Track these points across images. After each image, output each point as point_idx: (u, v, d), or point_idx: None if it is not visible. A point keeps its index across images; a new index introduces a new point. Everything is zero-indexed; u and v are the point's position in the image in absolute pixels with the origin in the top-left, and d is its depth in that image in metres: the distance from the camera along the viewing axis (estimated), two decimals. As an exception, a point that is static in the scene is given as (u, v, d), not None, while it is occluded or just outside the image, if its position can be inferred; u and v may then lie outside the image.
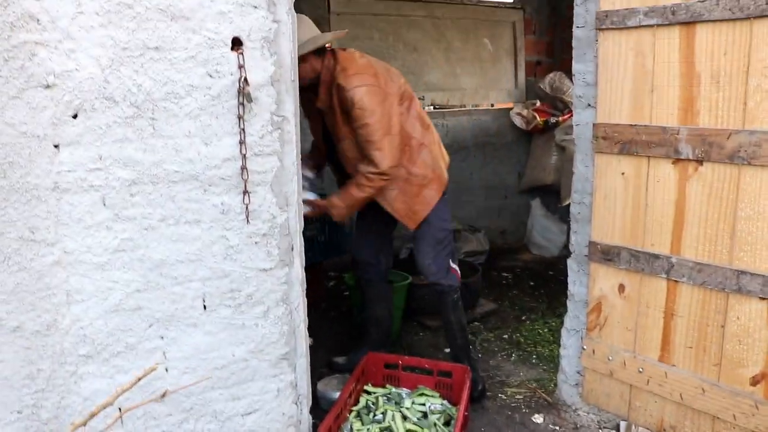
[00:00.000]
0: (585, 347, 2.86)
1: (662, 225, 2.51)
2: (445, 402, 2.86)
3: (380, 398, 2.84)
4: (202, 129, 2.03)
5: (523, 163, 5.93)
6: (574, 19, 2.74)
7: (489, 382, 3.32)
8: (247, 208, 2.13)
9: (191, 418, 2.20)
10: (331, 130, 2.96)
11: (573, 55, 2.79)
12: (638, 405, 2.71)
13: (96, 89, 1.88)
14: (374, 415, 2.72)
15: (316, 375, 3.19)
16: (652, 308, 2.59)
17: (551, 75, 5.56)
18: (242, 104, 2.06)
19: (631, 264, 2.61)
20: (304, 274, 2.35)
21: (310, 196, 2.99)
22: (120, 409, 2.08)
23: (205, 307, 2.14)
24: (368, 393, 2.94)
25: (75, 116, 1.87)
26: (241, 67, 2.05)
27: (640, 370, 2.64)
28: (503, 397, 3.19)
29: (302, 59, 2.59)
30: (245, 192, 2.11)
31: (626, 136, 2.56)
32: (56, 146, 1.87)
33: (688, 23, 2.31)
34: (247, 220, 2.14)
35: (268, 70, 2.10)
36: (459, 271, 3.19)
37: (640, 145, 2.51)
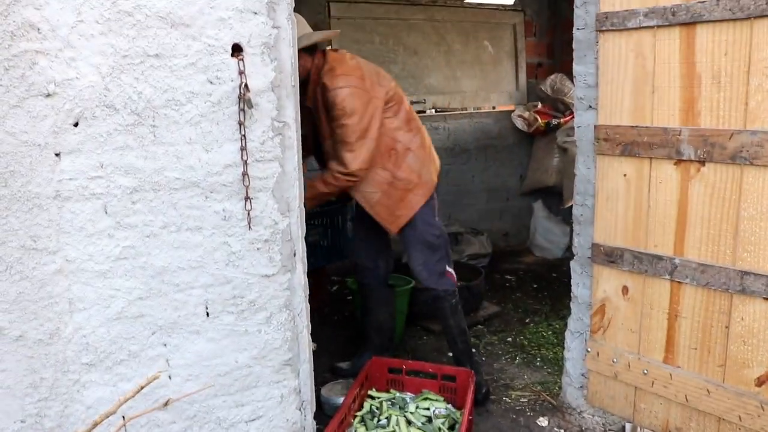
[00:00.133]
0: (589, 349, 2.85)
1: (665, 226, 2.50)
2: (449, 406, 2.85)
3: (384, 403, 2.83)
4: (202, 135, 2.03)
5: (525, 166, 5.93)
6: (575, 20, 2.74)
7: (493, 386, 3.31)
8: (248, 214, 2.12)
9: (195, 426, 2.19)
10: (317, 128, 2.97)
11: (573, 57, 2.78)
12: (643, 407, 2.70)
13: (96, 97, 1.88)
14: (378, 420, 2.72)
15: (319, 380, 3.19)
16: (655, 310, 2.58)
17: (552, 77, 5.57)
18: (243, 110, 2.06)
19: (635, 265, 2.60)
20: (307, 279, 2.35)
21: None
22: (123, 417, 2.08)
23: (207, 313, 2.14)
24: (372, 398, 2.94)
25: (76, 124, 1.87)
26: (241, 73, 2.05)
27: (645, 371, 2.63)
28: (508, 400, 3.18)
29: None
30: (247, 198, 2.11)
31: (628, 137, 2.56)
32: (57, 155, 1.86)
33: (689, 24, 2.31)
34: (249, 227, 2.14)
35: (269, 75, 2.10)
36: (455, 275, 3.17)
37: (642, 146, 2.51)
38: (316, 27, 4.80)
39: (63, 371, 1.98)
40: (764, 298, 2.24)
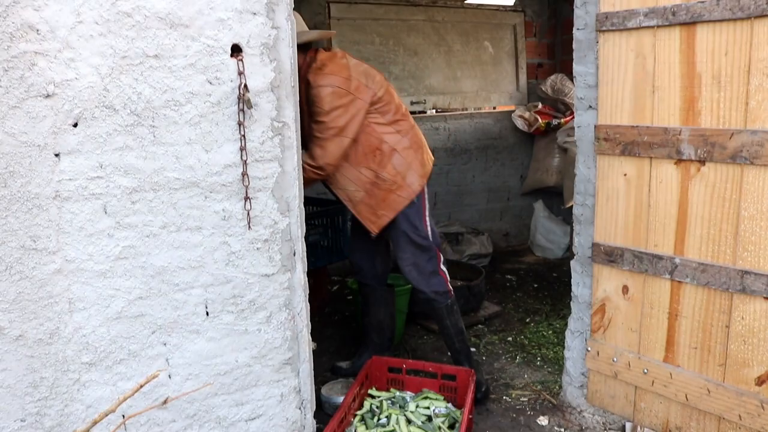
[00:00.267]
0: (589, 349, 2.85)
1: (665, 226, 2.50)
2: (449, 405, 2.85)
3: (384, 402, 2.83)
4: (202, 136, 2.04)
5: (525, 166, 5.93)
6: (575, 21, 2.74)
7: (493, 385, 3.31)
8: (248, 214, 2.13)
9: (195, 425, 2.20)
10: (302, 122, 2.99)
11: (574, 57, 2.78)
12: (643, 406, 2.70)
13: (96, 98, 1.89)
14: (378, 419, 2.72)
15: (319, 379, 3.20)
16: (656, 309, 2.58)
17: (553, 77, 5.57)
18: (242, 110, 2.07)
19: (635, 265, 2.60)
20: (307, 279, 2.35)
21: None
22: (123, 416, 2.08)
23: (207, 313, 2.14)
24: (372, 397, 2.94)
25: (75, 125, 1.88)
26: (240, 73, 2.05)
27: (645, 371, 2.63)
28: (508, 399, 3.18)
29: None
30: (246, 198, 2.12)
31: (628, 137, 2.56)
32: (57, 155, 1.87)
33: (689, 24, 2.31)
34: (249, 226, 2.14)
35: (268, 76, 2.11)
36: (447, 274, 3.16)
37: (642, 146, 2.51)
38: (315, 27, 4.82)
39: (63, 370, 1.98)
40: (765, 298, 2.24)
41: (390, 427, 2.65)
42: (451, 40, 5.52)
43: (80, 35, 1.83)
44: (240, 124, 2.07)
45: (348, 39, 5.08)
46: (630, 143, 2.55)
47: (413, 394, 2.93)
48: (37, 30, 1.78)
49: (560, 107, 5.55)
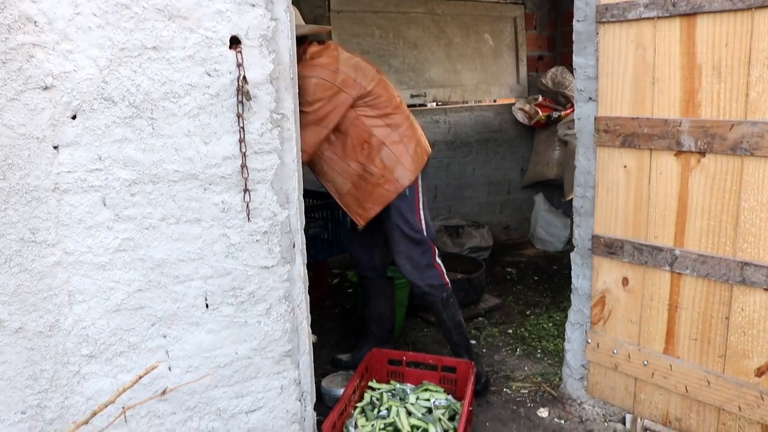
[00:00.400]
0: (589, 341, 2.86)
1: (665, 217, 2.50)
2: (449, 397, 2.85)
3: (385, 394, 2.83)
4: (201, 128, 2.03)
5: (526, 159, 5.92)
6: (575, 12, 2.73)
7: (494, 377, 3.32)
8: (247, 206, 2.13)
9: (195, 416, 2.20)
10: None
11: (573, 49, 2.77)
12: (643, 398, 2.70)
13: (94, 90, 1.88)
14: (379, 411, 2.72)
15: (320, 372, 3.20)
16: (656, 301, 2.58)
17: (553, 70, 5.55)
18: (241, 102, 2.06)
19: (635, 257, 2.60)
20: (306, 271, 2.35)
21: None
22: (123, 407, 2.09)
23: (207, 305, 2.14)
24: (372, 389, 2.94)
25: (74, 117, 1.87)
26: (239, 65, 2.05)
27: (645, 362, 2.64)
28: (508, 391, 3.19)
29: None
30: (246, 190, 2.12)
31: (628, 129, 2.55)
32: (56, 147, 1.87)
33: (689, 15, 2.30)
34: (248, 218, 2.14)
35: (267, 68, 2.10)
36: (443, 267, 3.16)
37: (642, 137, 2.50)
38: (315, 20, 4.81)
39: (63, 363, 1.99)
40: (765, 289, 2.24)
41: (390, 419, 2.65)
42: (451, 32, 5.50)
43: (78, 27, 1.83)
44: (239, 116, 2.07)
45: (348, 32, 5.07)
46: (630, 135, 2.54)
47: (413, 386, 2.94)
48: (35, 22, 1.78)
49: (561, 100, 5.54)
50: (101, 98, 1.90)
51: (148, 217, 2.02)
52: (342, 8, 5.03)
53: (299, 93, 2.76)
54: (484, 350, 3.65)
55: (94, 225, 1.95)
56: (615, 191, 2.65)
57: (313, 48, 2.83)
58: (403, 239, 3.03)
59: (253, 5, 2.04)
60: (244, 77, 2.05)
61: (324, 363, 3.46)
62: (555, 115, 5.47)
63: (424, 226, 3.04)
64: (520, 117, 5.66)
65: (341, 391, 2.90)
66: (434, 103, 5.69)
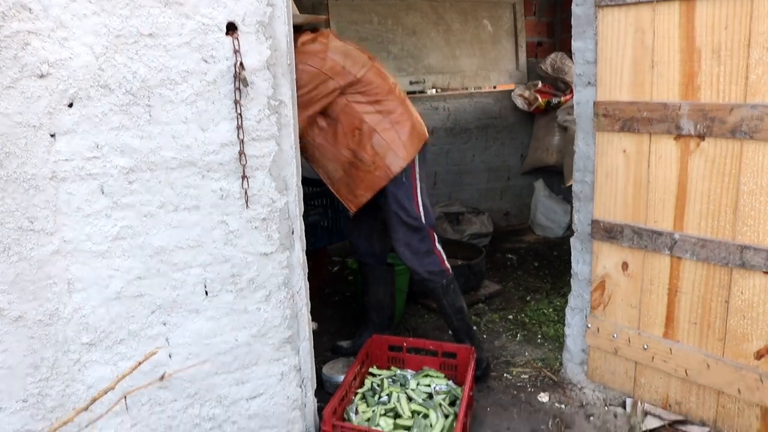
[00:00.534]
0: (589, 325, 2.86)
1: (665, 201, 2.49)
2: (450, 382, 2.86)
3: (385, 380, 2.84)
4: (198, 115, 2.03)
5: (525, 145, 5.91)
6: (573, -4, 2.71)
7: (494, 363, 3.32)
8: (246, 192, 2.12)
9: (196, 404, 2.21)
10: None
11: (572, 33, 2.76)
12: (643, 382, 2.71)
13: (91, 77, 1.88)
14: (379, 397, 2.73)
15: (320, 359, 3.21)
16: (655, 285, 2.58)
17: (552, 55, 5.53)
18: (238, 89, 2.06)
19: (634, 241, 2.60)
20: (305, 257, 2.35)
21: None
22: (125, 395, 2.09)
23: (206, 292, 2.15)
24: (373, 375, 2.95)
25: (70, 105, 1.87)
26: (236, 51, 2.04)
27: (645, 347, 2.64)
28: (509, 376, 3.19)
29: None
30: (244, 177, 2.11)
31: (627, 113, 2.54)
32: (53, 135, 1.86)
33: (688, -3, 2.29)
34: (247, 205, 2.14)
35: (264, 54, 2.09)
36: (443, 254, 3.16)
37: (641, 121, 2.50)
38: (313, 8, 4.79)
39: (63, 351, 1.99)
40: (764, 272, 2.24)
41: (391, 405, 2.66)
42: (449, 18, 5.47)
43: (73, 14, 1.82)
44: (236, 102, 2.06)
45: (346, 19, 5.05)
46: (629, 119, 2.54)
47: (414, 372, 2.94)
48: (30, 9, 1.77)
49: (560, 86, 5.52)
50: (98, 86, 1.89)
51: (146, 204, 2.01)
52: (340, -5, 5.01)
53: None
54: (484, 336, 3.66)
55: (93, 213, 1.95)
56: (614, 176, 2.64)
57: (305, 36, 2.83)
58: (401, 226, 3.03)
59: (250, -9, 2.03)
60: (241, 63, 2.04)
61: (324, 350, 3.46)
62: (554, 101, 5.45)
63: (422, 213, 3.04)
64: (520, 103, 5.65)
65: (342, 377, 2.91)
66: (434, 90, 5.67)
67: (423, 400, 2.71)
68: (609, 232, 2.69)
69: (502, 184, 5.92)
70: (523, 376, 3.19)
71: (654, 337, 2.62)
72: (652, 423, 2.76)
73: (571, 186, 3.29)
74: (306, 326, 2.38)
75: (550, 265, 4.88)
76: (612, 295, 2.75)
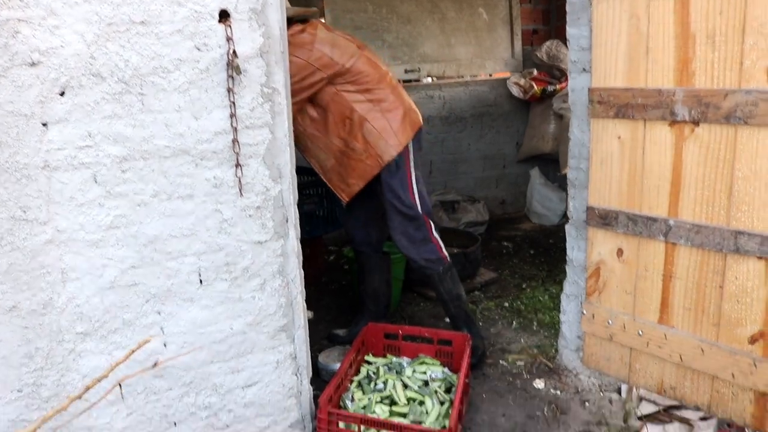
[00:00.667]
0: (585, 312, 2.87)
1: (659, 188, 2.49)
2: (446, 370, 2.87)
3: (381, 368, 2.85)
4: (191, 103, 2.02)
5: (521, 133, 5.90)
6: (568, -18, 2.70)
7: (490, 350, 3.33)
8: (239, 181, 2.12)
9: (192, 392, 2.21)
10: None
11: (567, 20, 2.75)
12: (638, 367, 2.72)
13: (82, 66, 1.86)
14: (375, 385, 2.74)
15: (316, 348, 3.21)
16: (650, 271, 2.59)
17: (548, 43, 5.52)
18: (231, 77, 2.05)
19: (629, 228, 2.60)
20: (300, 245, 2.35)
21: None
22: (120, 384, 2.09)
23: (201, 281, 2.14)
24: (369, 363, 2.95)
25: (62, 94, 1.86)
26: (229, 39, 2.03)
27: (640, 332, 2.65)
28: (504, 364, 3.20)
29: None
30: (237, 165, 2.11)
31: (622, 99, 2.54)
32: (44, 124, 1.85)
33: (682, -18, 2.28)
34: (241, 193, 2.13)
35: (257, 41, 2.08)
36: (441, 242, 3.16)
37: (636, 108, 2.49)
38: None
39: (58, 341, 1.99)
40: (758, 257, 2.25)
41: (387, 392, 2.67)
42: (444, 6, 5.45)
43: (64, 1, 1.81)
44: (229, 90, 2.05)
45: (341, 7, 5.02)
46: (624, 106, 2.53)
47: (410, 360, 2.95)
48: (20, -4, 1.75)
49: (556, 73, 5.51)
50: (89, 74, 1.88)
51: (139, 193, 2.01)
52: (335, -17, 4.98)
53: None
54: (480, 324, 3.66)
55: (86, 202, 1.94)
56: (609, 162, 2.64)
57: (294, 28, 2.82)
58: (397, 215, 3.03)
59: (242, -22, 2.02)
60: (234, 51, 2.03)
61: (320, 338, 3.47)
62: (550, 88, 5.44)
63: (417, 201, 3.03)
64: (515, 91, 5.63)
65: (338, 365, 2.92)
66: (429, 79, 5.65)
67: (419, 387, 2.72)
68: (604, 219, 2.69)
69: (498, 173, 5.91)
70: (519, 362, 3.20)
71: (649, 323, 2.62)
72: (647, 408, 2.77)
73: (566, 174, 3.29)
74: (301, 314, 2.38)
75: (545, 253, 4.88)
76: (607, 281, 2.76)
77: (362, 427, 2.40)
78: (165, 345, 2.13)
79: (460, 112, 5.64)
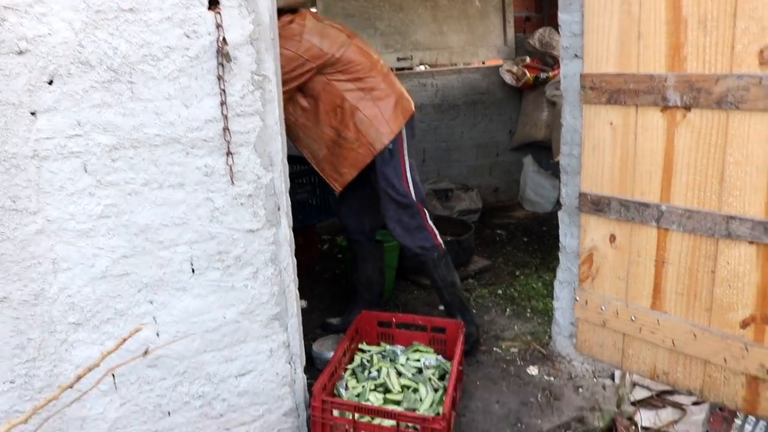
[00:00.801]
0: (578, 298, 2.87)
1: (651, 173, 2.50)
2: (439, 357, 2.87)
3: (375, 356, 2.85)
4: (181, 91, 2.00)
5: (514, 120, 5.89)
6: (559, -33, 2.69)
7: (484, 337, 3.34)
8: (231, 169, 2.11)
9: (185, 381, 2.21)
10: None
11: (559, 6, 2.75)
12: (631, 353, 2.73)
13: (71, 54, 1.85)
14: (369, 373, 2.74)
15: (310, 337, 3.21)
16: (643, 257, 2.59)
17: (540, 30, 5.50)
18: (221, 64, 2.03)
19: (622, 214, 2.60)
20: (292, 233, 2.34)
21: None
22: (113, 375, 2.09)
23: (193, 270, 2.13)
24: (363, 351, 2.96)
25: (50, 82, 1.84)
26: (218, 26, 2.01)
27: (633, 318, 2.66)
28: (498, 350, 3.21)
29: None
30: (228, 153, 2.09)
31: (614, 85, 2.53)
32: (33, 113, 1.83)
33: (674, -34, 2.28)
34: (232, 182, 2.12)
35: (247, 28, 2.07)
36: (435, 230, 3.16)
37: (628, 93, 2.49)
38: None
39: (50, 331, 1.98)
40: (749, 242, 2.25)
41: (381, 380, 2.67)
42: (436, -6, 5.43)
43: (51, -11, 1.79)
44: (219, 78, 2.03)
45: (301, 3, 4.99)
46: (616, 91, 2.53)
47: (403, 348, 2.95)
48: (6, -16, 1.73)
49: (548, 61, 5.50)
50: (78, 62, 1.86)
51: (130, 182, 1.99)
52: (326, -29, 4.95)
53: None
54: (474, 311, 3.66)
55: (76, 192, 1.93)
56: (601, 148, 2.64)
57: (284, 19, 2.81)
58: (391, 204, 3.03)
59: (231, -36, 2.00)
60: (224, 38, 2.01)
61: (314, 327, 3.47)
62: (543, 76, 5.44)
63: (411, 189, 3.03)
64: (508, 79, 5.62)
65: (331, 354, 2.92)
66: (422, 67, 5.63)
67: (412, 374, 2.72)
68: (596, 205, 2.69)
69: (491, 160, 5.91)
70: (513, 349, 3.21)
71: (641, 308, 2.63)
72: (641, 393, 2.79)
73: (559, 161, 3.29)
74: (294, 303, 2.37)
75: (539, 240, 4.89)
76: (600, 267, 2.76)
77: (356, 415, 2.40)
78: (158, 335, 2.12)
79: (453, 99, 5.63)
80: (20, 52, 1.78)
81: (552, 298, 3.12)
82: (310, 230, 4.36)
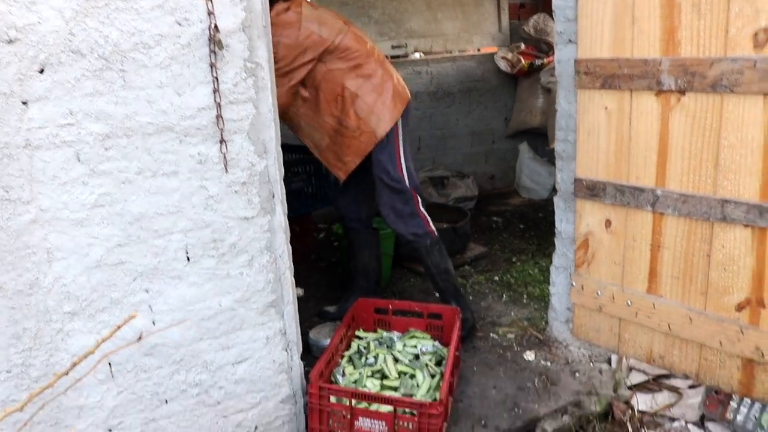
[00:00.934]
0: (574, 284, 2.88)
1: (646, 158, 2.49)
2: (436, 343, 2.88)
3: (372, 342, 2.85)
4: (173, 79, 1.99)
5: (509, 108, 5.88)
6: (553, -49, 2.68)
7: (480, 323, 3.35)
8: (224, 157, 2.10)
9: (182, 370, 2.21)
10: None
11: (553, -10, 2.74)
12: (627, 338, 2.73)
13: (61, 42, 1.83)
14: (366, 359, 2.74)
15: (306, 324, 3.21)
16: (638, 241, 2.60)
17: (535, 17, 5.49)
18: (214, 52, 2.02)
19: (617, 198, 2.60)
20: (287, 221, 2.34)
21: None
22: (110, 364, 2.09)
23: (188, 258, 2.13)
24: (359, 338, 2.96)
25: (41, 71, 1.83)
26: (210, 13, 2.00)
27: (629, 303, 2.66)
28: (495, 336, 3.22)
29: None
30: (222, 141, 2.09)
31: (608, 70, 2.53)
32: (24, 103, 1.82)
33: (667, -51, 2.26)
34: (226, 169, 2.11)
35: (239, 15, 2.05)
36: (428, 217, 3.17)
37: (622, 78, 2.48)
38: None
39: (45, 321, 1.98)
40: (744, 225, 2.25)
41: (378, 367, 2.68)
42: (430, -20, 5.41)
43: (40, -23, 1.77)
44: (212, 65, 2.02)
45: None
46: (610, 76, 2.52)
47: (400, 334, 2.96)
48: (-6, -29, 1.72)
49: (543, 47, 5.49)
50: (69, 51, 1.85)
51: (123, 171, 1.99)
52: (319, -42, 4.92)
53: None
54: (470, 298, 3.68)
55: (69, 181, 1.92)
56: (596, 133, 2.64)
57: (278, 7, 2.79)
58: (385, 189, 3.03)
59: (222, -49, 1.99)
60: (216, 26, 2.00)
61: (311, 315, 3.47)
62: (537, 62, 5.42)
63: (405, 175, 3.04)
64: (503, 66, 5.61)
65: (328, 341, 2.92)
66: (417, 54, 5.62)
67: (409, 360, 2.73)
68: (592, 190, 2.69)
69: (487, 148, 5.91)
70: (509, 335, 3.22)
71: (637, 293, 2.63)
72: (637, 378, 2.80)
73: (555, 147, 3.29)
74: (290, 290, 2.37)
75: (535, 227, 4.90)
76: (595, 252, 2.76)
77: (353, 401, 2.41)
78: (153, 323, 2.12)
79: (448, 87, 5.62)
80: (10, 41, 1.77)
81: (548, 283, 3.13)
82: (306, 219, 4.36)
